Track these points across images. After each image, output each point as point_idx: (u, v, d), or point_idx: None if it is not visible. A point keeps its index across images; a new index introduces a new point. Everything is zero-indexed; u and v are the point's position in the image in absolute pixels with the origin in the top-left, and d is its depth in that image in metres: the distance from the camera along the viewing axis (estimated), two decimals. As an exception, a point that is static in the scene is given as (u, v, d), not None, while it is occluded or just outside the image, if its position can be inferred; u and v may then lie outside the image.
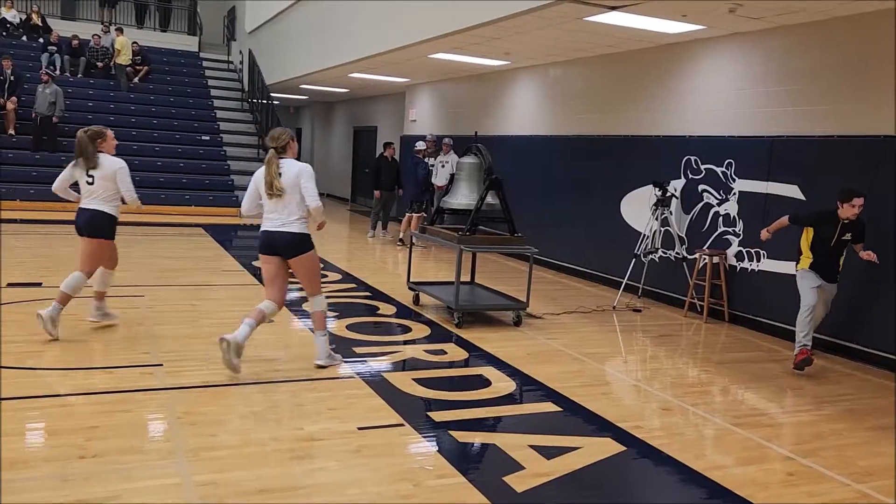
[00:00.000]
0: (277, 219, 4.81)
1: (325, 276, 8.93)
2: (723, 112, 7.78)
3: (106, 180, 5.56)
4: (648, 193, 8.37)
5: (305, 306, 6.54)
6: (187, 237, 11.41)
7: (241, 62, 19.71)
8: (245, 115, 18.27)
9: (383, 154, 13.06)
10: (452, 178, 7.17)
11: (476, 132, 7.38)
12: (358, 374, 5.12)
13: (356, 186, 20.04)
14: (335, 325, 6.44)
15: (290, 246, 4.84)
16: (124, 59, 17.39)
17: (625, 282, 8.33)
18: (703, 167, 7.96)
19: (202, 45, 21.19)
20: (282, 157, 4.80)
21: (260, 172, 4.86)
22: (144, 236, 11.20)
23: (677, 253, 8.19)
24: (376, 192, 12.88)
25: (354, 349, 5.76)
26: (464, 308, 6.70)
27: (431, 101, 14.58)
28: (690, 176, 8.13)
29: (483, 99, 12.52)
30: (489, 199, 6.89)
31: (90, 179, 5.57)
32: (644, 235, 8.31)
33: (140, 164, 14.94)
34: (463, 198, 6.96)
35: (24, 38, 18.20)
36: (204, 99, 18.04)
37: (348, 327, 6.43)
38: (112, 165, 5.59)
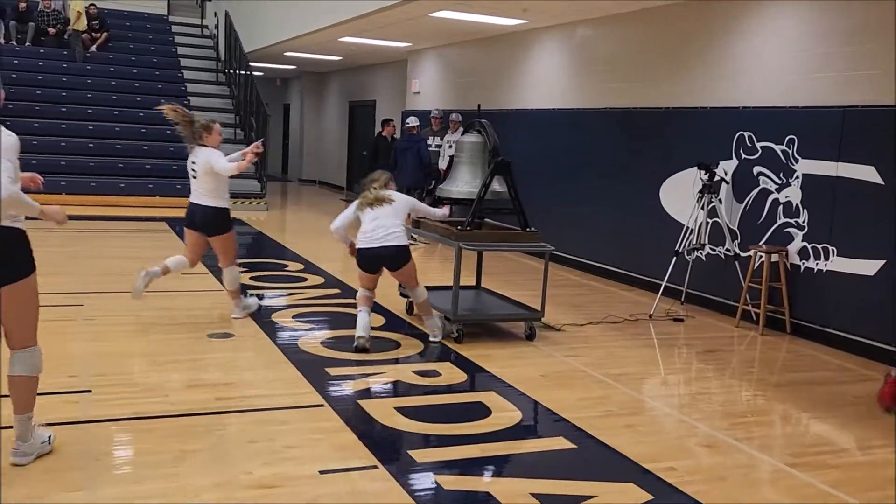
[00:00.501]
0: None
1: (304, 279, 8.72)
2: (783, 77, 7.48)
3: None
4: (693, 178, 8.09)
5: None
6: (146, 233, 11.24)
7: (217, 27, 19.55)
8: (221, 88, 18.11)
9: (381, 133, 12.88)
10: (451, 161, 6.91)
11: (479, 105, 7.12)
12: (329, 401, 4.88)
13: (352, 171, 19.83)
14: (305, 341, 6.21)
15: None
16: (81, 24, 17.27)
17: (664, 284, 8.05)
18: (758, 145, 7.67)
19: (171, 7, 21.04)
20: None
21: None
22: (96, 232, 11.05)
23: (728, 250, 7.91)
24: None
25: (328, 370, 5.52)
26: (464, 319, 6.45)
27: (437, 69, 14.35)
28: (744, 156, 7.84)
29: (497, 67, 12.27)
30: (495, 185, 6.62)
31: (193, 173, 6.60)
32: (688, 229, 8.04)
33: (96, 146, 14.86)
34: (463, 185, 6.70)
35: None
36: (173, 70, 17.90)
37: (325, 343, 6.20)
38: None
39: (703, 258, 8.26)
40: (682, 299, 8.30)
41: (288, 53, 17.18)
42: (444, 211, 6.69)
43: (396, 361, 5.90)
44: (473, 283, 7.72)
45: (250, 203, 15.04)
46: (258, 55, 17.85)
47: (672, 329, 7.43)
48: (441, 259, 10.65)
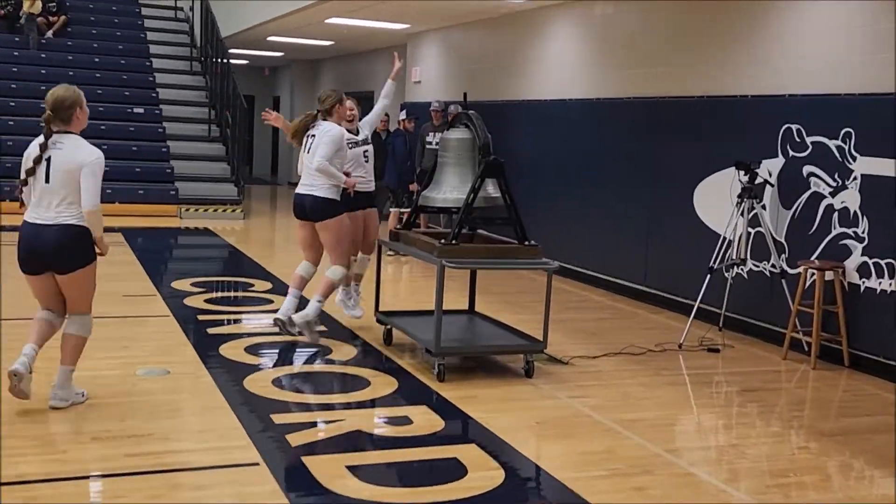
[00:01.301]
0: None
1: (270, 301, 8.34)
2: (839, 59, 7.08)
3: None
4: (731, 180, 7.68)
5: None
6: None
7: (192, 9, 19.32)
8: (195, 79, 17.86)
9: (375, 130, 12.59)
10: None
11: (465, 94, 6.73)
12: (266, 458, 4.46)
13: (348, 174, 19.52)
14: (253, 379, 5.81)
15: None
16: (35, 7, 17.09)
17: (697, 306, 7.60)
18: (809, 140, 7.28)
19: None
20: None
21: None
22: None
23: (773, 266, 7.49)
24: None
25: (273, 417, 5.11)
26: (448, 352, 6.03)
27: (440, 55, 14.03)
28: (791, 153, 7.44)
29: (505, 51, 11.93)
30: (489, 189, 6.22)
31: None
32: (725, 240, 7.61)
33: (49, 146, 14.56)
34: (449, 190, 6.31)
35: None
36: (141, 58, 17.66)
37: (277, 381, 5.80)
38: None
39: (745, 275, 7.82)
40: (720, 325, 7.84)
41: (272, 38, 16.92)
42: (351, 181, 6.64)
43: (360, 405, 5.50)
44: (468, 305, 7.30)
45: (224, 211, 14.72)
46: (238, 40, 17.61)
47: (705, 362, 6.99)
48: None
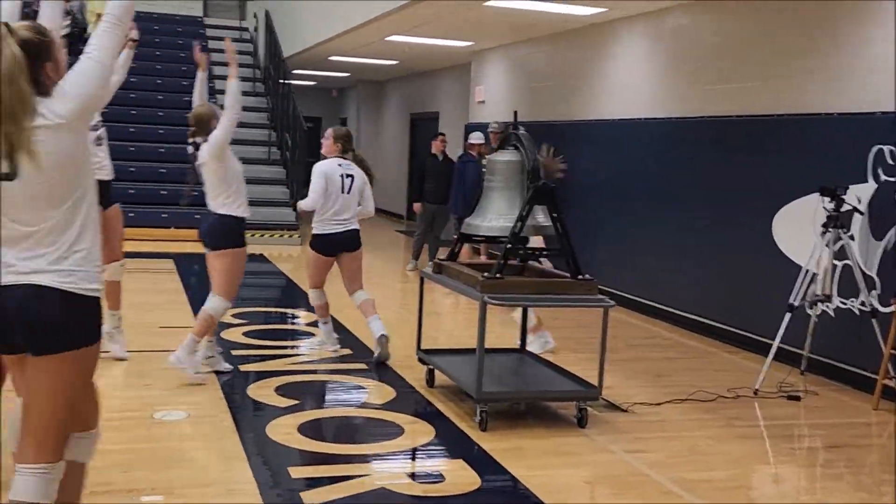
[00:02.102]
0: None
1: (312, 335, 7.97)
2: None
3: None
4: (814, 206, 7.09)
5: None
6: (145, 273, 10.73)
7: (257, 29, 19.34)
8: (258, 100, 17.79)
9: (431, 151, 12.33)
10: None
11: (515, 112, 6.28)
12: (273, 521, 4.04)
13: (413, 197, 19.24)
14: (277, 424, 5.41)
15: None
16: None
17: (775, 346, 6.98)
18: (903, 163, 6.66)
19: (208, 7, 21.01)
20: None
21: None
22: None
23: (863, 303, 6.87)
24: (416, 205, 12.16)
25: (291, 470, 4.70)
26: (491, 398, 5.53)
27: (504, 73, 13.64)
28: (883, 177, 6.86)
29: (571, 67, 11.48)
30: (538, 218, 5.74)
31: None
32: (808, 273, 6.99)
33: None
34: (495, 217, 5.83)
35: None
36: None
37: (303, 427, 5.38)
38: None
39: (830, 313, 7.18)
40: (802, 368, 7.21)
41: (334, 58, 16.73)
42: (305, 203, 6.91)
43: (390, 457, 5.05)
44: (519, 344, 6.81)
45: (280, 236, 14.50)
46: (302, 60, 17.49)
47: (785, 411, 6.37)
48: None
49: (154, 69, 17.48)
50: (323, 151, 7.12)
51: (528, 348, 6.92)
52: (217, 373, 6.41)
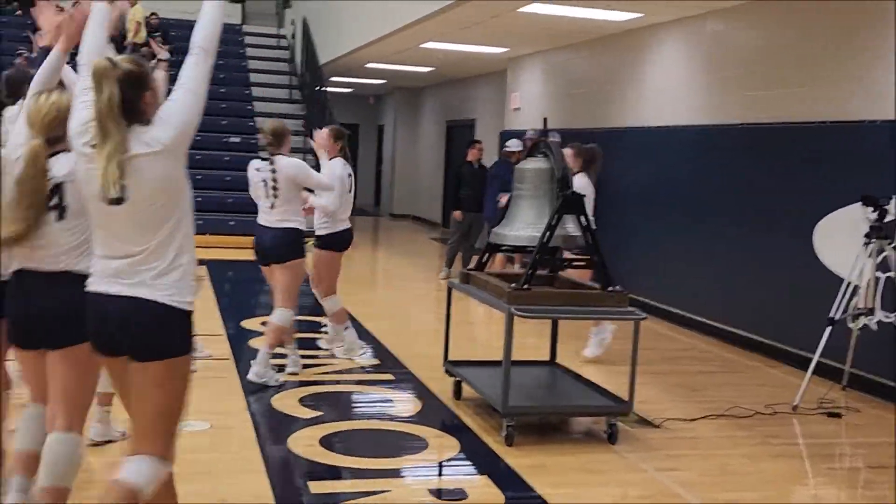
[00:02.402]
0: None
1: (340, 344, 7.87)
2: None
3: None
4: (857, 216, 6.84)
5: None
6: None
7: (294, 36, 19.37)
8: (294, 107, 17.80)
9: (466, 159, 12.20)
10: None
11: (545, 119, 6.15)
12: (287, 539, 3.93)
13: (448, 204, 19.13)
14: (299, 437, 5.30)
15: None
16: (140, 36, 17.35)
17: (815, 361, 6.75)
18: (951, 172, 6.40)
19: (247, 15, 21.10)
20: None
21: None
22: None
23: (907, 317, 6.60)
24: (456, 213, 12.04)
25: (311, 485, 4.59)
26: (517, 412, 5.39)
27: (540, 80, 13.48)
28: None
29: (608, 74, 11.31)
30: (568, 227, 5.59)
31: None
32: (850, 286, 6.76)
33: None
34: (523, 226, 5.69)
35: (19, 12, 18.64)
36: (241, 87, 17.74)
37: (326, 440, 5.28)
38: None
39: (873, 327, 6.92)
40: (844, 384, 6.97)
41: (370, 65, 16.69)
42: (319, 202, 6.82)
43: (412, 472, 4.93)
44: (549, 357, 6.65)
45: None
46: (338, 67, 17.47)
47: (825, 428, 6.14)
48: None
49: (192, 77, 17.54)
50: (326, 151, 7.11)
51: (586, 350, 6.96)
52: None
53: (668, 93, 10.04)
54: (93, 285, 3.10)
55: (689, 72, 9.69)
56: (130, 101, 2.96)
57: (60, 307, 3.45)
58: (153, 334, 3.05)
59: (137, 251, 3.01)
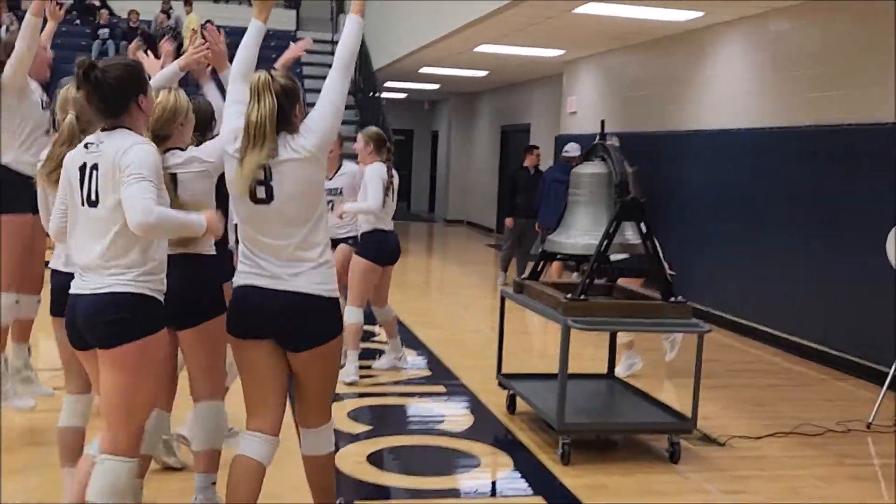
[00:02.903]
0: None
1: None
2: None
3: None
4: (934, 222, 6.48)
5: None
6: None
7: (348, 42, 19.28)
8: (348, 113, 17.67)
9: (523, 165, 11.97)
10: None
11: (603, 121, 5.87)
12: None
13: (503, 210, 18.87)
14: (347, 453, 5.10)
15: None
16: (196, 44, 17.43)
17: (892, 374, 6.37)
18: None
19: (301, 21, 21.06)
20: None
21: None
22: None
23: None
24: (508, 220, 11.80)
25: (357, 505, 4.39)
26: (573, 429, 5.13)
27: (597, 83, 13.18)
28: None
29: (666, 76, 10.99)
30: (627, 235, 5.32)
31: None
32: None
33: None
34: (579, 234, 5.43)
35: (78, 21, 18.86)
36: (294, 92, 17.68)
37: (373, 457, 5.08)
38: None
39: (953, 340, 6.55)
40: (921, 399, 6.58)
41: (424, 70, 16.52)
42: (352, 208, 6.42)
43: (462, 493, 4.69)
44: (607, 370, 6.37)
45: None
46: (392, 72, 17.34)
47: (902, 447, 5.78)
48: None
49: (247, 83, 17.56)
50: (360, 158, 6.60)
51: (617, 370, 6.52)
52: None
53: (729, 95, 9.69)
54: (243, 280, 3.41)
55: (751, 73, 9.34)
56: (285, 111, 3.31)
57: (192, 289, 3.70)
58: (309, 323, 3.38)
59: (284, 245, 3.33)
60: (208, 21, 18.06)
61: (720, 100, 9.88)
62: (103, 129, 3.27)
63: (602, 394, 5.97)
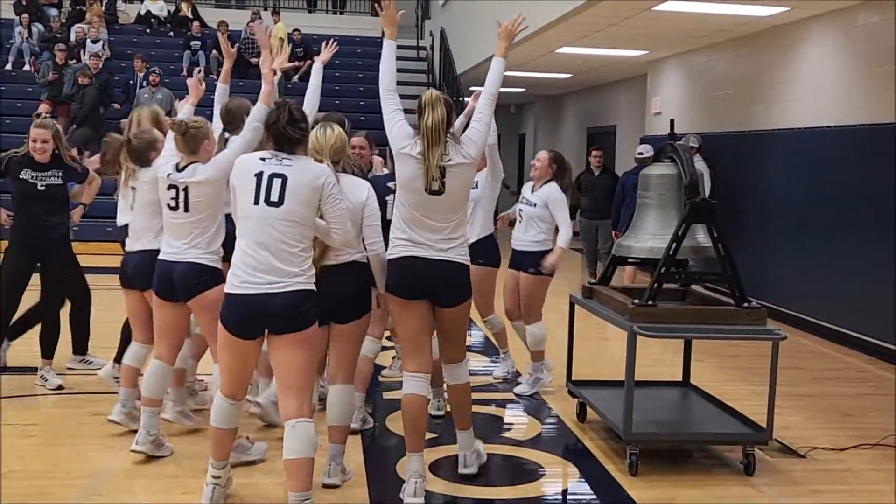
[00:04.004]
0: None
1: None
2: None
3: None
4: None
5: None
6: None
7: (432, 47, 19.29)
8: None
9: (589, 167, 11.95)
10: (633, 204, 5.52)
11: (672, 121, 5.64)
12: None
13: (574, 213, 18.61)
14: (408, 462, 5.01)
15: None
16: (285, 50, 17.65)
17: None
18: None
19: (387, 28, 21.13)
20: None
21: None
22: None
23: None
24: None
25: (412, 514, 4.30)
26: (642, 439, 4.94)
27: (681, 83, 12.84)
28: None
29: (752, 74, 10.61)
30: (698, 238, 5.11)
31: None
32: None
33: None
34: (648, 237, 5.24)
35: (172, 33, 19.34)
36: (377, 99, 17.73)
37: (435, 465, 4.98)
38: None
39: None
40: None
41: (508, 73, 16.34)
42: None
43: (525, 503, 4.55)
44: (682, 377, 6.12)
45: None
46: (475, 76, 17.22)
47: None
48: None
49: (333, 90, 17.70)
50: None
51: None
52: None
53: (819, 92, 9.29)
54: (405, 251, 4.31)
55: (840, 68, 8.93)
56: (450, 119, 4.30)
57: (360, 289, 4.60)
58: (459, 285, 4.42)
59: (443, 227, 4.32)
60: (296, 30, 18.32)
61: (808, 97, 9.48)
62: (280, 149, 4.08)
63: (675, 402, 5.74)
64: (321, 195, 4.02)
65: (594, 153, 11.86)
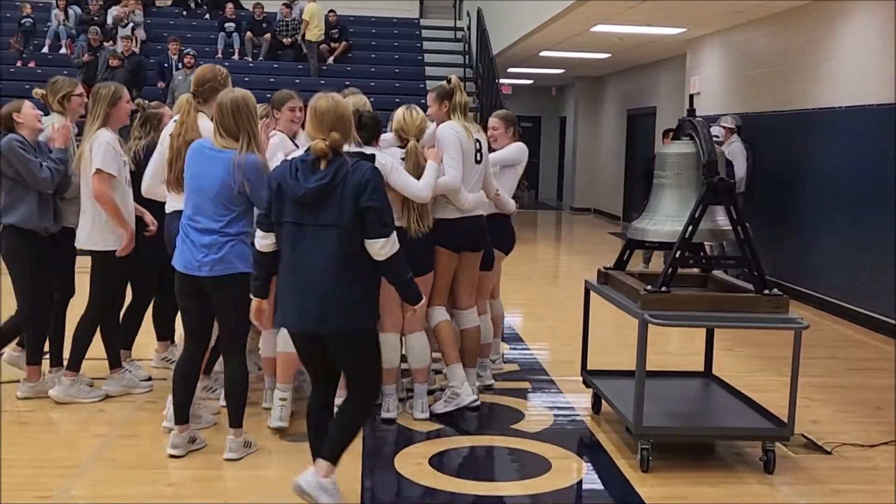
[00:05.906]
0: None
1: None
2: None
3: None
4: None
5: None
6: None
7: (469, 28, 18.99)
8: (468, 99, 17.40)
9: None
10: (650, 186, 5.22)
11: (692, 95, 5.33)
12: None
13: (630, 197, 18.18)
14: (410, 453, 4.80)
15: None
16: (314, 33, 17.45)
17: None
18: None
19: (424, 8, 20.91)
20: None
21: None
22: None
23: None
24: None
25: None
26: (653, 433, 4.68)
27: (721, 61, 12.45)
28: None
29: (793, 52, 10.20)
30: (717, 220, 4.83)
31: None
32: None
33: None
34: (664, 220, 4.96)
35: (207, 16, 19.29)
36: (415, 81, 17.53)
37: (436, 459, 4.77)
38: None
39: None
40: None
41: (544, 53, 16.06)
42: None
43: (528, 500, 4.33)
44: (703, 368, 5.83)
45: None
46: (512, 57, 16.95)
47: None
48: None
49: (369, 72, 17.52)
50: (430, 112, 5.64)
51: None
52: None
53: (861, 69, 8.86)
54: (457, 213, 5.25)
55: (885, 44, 8.50)
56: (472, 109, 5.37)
57: None
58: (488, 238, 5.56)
59: (481, 192, 5.42)
60: (332, 11, 18.11)
61: (850, 74, 9.05)
62: None
63: (694, 394, 5.46)
64: None
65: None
